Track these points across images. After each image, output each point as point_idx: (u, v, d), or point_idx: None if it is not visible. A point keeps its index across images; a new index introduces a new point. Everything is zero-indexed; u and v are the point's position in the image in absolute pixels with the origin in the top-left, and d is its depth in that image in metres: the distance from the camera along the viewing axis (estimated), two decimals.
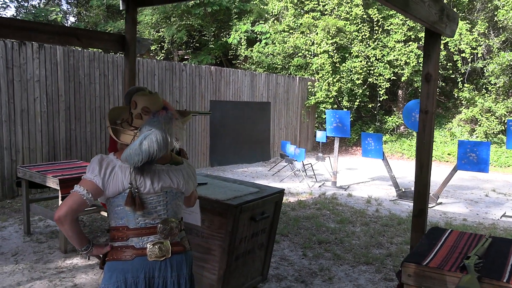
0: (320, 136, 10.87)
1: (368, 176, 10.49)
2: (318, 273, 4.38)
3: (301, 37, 14.65)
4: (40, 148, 7.31)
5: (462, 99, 14.28)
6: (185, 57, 18.38)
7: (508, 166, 12.38)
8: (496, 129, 13.26)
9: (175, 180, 2.13)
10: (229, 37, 16.21)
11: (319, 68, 14.16)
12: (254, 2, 16.36)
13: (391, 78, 13.97)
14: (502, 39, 13.46)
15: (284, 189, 3.87)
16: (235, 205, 3.30)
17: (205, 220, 3.50)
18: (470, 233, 2.92)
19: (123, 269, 2.01)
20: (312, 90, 14.15)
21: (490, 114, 13.50)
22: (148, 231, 2.06)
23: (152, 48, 17.35)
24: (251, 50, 15.80)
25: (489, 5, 13.79)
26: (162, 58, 17.35)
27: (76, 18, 22.09)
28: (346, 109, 13.94)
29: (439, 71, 13.88)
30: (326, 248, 5.11)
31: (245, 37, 15.97)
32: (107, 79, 8.27)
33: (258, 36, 16.43)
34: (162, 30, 16.71)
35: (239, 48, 16.07)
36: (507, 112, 13.27)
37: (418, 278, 2.38)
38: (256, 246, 3.74)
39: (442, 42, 13.69)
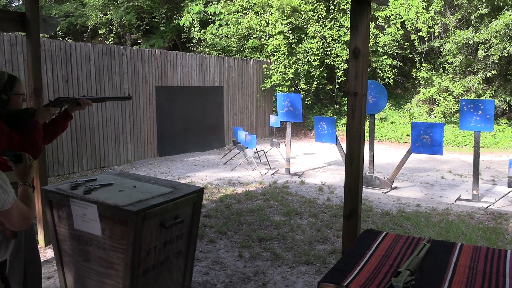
0: (274, 121, 10.40)
1: (324, 161, 10.12)
2: (252, 278, 3.90)
3: (255, 17, 14.04)
4: None
5: (420, 79, 14.06)
6: (138, 41, 17.48)
7: (465, 145, 12.27)
8: (454, 108, 13.12)
9: None
10: (181, 19, 15.42)
11: (275, 50, 13.61)
12: None
13: (348, 59, 13.56)
14: (458, 17, 13.24)
15: (203, 188, 3.35)
16: (135, 211, 2.75)
17: (106, 229, 2.95)
18: (407, 236, 2.47)
19: None
20: (268, 73, 13.62)
21: (447, 94, 13.33)
22: None
23: (100, 32, 16.39)
24: (204, 32, 15.07)
25: None
26: (112, 42, 16.41)
27: (20, 2, 20.70)
28: (303, 92, 13.50)
29: (397, 51, 13.61)
30: (265, 246, 4.64)
31: (198, 19, 15.22)
32: None
33: (211, 17, 15.71)
34: (110, 12, 15.74)
35: (192, 31, 15.32)
36: (464, 91, 13.13)
37: None
38: (171, 256, 3.22)
39: (399, 21, 13.40)
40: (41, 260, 3.39)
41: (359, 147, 2.58)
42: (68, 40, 10.41)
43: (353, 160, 2.59)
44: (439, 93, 13.42)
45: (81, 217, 3.05)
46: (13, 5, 20.39)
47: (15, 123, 2.64)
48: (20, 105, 2.79)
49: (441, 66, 14.06)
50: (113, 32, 16.14)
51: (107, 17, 15.96)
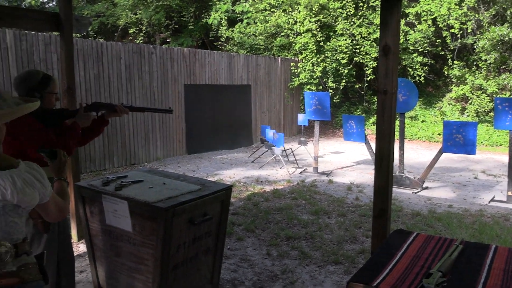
0: (302, 119, 10.37)
1: (353, 160, 10.01)
2: (280, 276, 3.90)
3: (283, 15, 14.00)
4: None
5: (452, 77, 13.73)
6: (167, 40, 17.70)
7: (500, 145, 11.92)
8: (487, 107, 12.76)
9: None
10: (210, 17, 15.53)
11: (303, 48, 13.54)
12: None
13: (378, 57, 13.36)
14: (493, 13, 12.84)
15: (231, 186, 3.36)
16: (165, 208, 2.79)
17: (136, 225, 3.00)
18: (439, 237, 2.42)
19: None
20: (296, 71, 13.56)
21: (481, 92, 12.97)
22: None
23: (131, 31, 16.67)
24: (232, 31, 15.13)
25: None
26: (142, 41, 16.67)
27: (55, 3, 21.25)
28: (332, 91, 13.38)
29: (428, 48, 13.32)
30: (294, 245, 4.62)
31: (226, 17, 15.29)
32: None
33: (239, 16, 15.76)
34: (140, 12, 15.99)
35: (220, 29, 15.40)
36: (498, 90, 12.74)
37: None
38: (200, 252, 3.25)
39: (430, 17, 13.11)
40: (74, 254, 3.48)
41: (389, 146, 2.54)
42: (100, 40, 10.66)
43: (383, 159, 2.55)
44: (472, 91, 13.07)
45: (112, 213, 3.11)
46: (47, 6, 20.98)
47: (48, 122, 2.71)
48: (53, 104, 2.86)
49: (474, 63, 13.68)
50: (143, 31, 16.38)
51: (137, 16, 16.21)
